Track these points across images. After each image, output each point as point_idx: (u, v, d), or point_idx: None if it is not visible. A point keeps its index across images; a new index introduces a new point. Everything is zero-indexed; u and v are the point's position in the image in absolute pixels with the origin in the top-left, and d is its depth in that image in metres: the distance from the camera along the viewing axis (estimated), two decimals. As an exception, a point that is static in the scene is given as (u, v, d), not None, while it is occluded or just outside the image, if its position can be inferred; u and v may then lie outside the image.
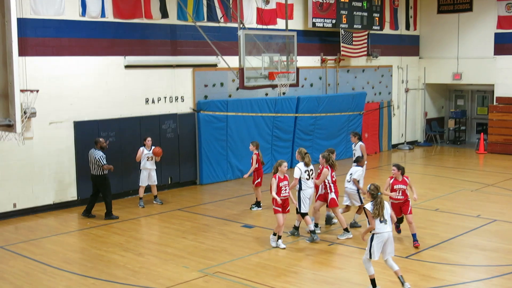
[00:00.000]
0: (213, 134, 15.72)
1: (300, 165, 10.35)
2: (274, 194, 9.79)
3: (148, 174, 13.19)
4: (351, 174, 11.07)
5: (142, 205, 13.20)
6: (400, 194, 10.03)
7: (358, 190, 10.96)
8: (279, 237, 10.04)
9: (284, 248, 9.92)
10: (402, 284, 7.92)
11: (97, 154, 12.07)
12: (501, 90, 21.18)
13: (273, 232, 10.12)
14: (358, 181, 10.98)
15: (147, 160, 13.11)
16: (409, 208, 10.07)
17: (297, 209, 10.46)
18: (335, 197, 10.58)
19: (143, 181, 13.23)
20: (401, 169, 10.09)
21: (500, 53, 21.06)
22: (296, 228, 10.73)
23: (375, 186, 8.08)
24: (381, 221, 7.81)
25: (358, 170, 11.09)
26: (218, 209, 13.10)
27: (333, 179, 10.62)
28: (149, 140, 13.14)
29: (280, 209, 9.83)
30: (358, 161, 11.33)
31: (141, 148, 13.13)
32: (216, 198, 14.15)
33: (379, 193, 8.00)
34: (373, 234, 7.87)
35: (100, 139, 12.32)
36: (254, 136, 16.61)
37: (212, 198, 14.29)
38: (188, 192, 15.00)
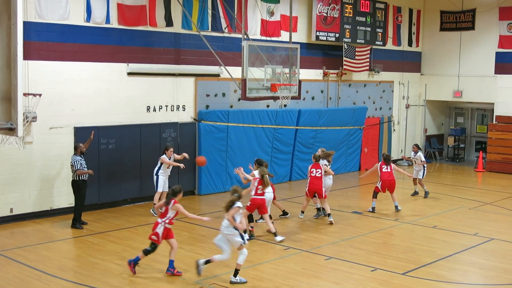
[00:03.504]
0: (213, 144, 15.67)
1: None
2: None
3: (165, 181, 13.06)
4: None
5: (156, 213, 12.78)
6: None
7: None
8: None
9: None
10: None
11: (73, 159, 11.93)
12: (501, 109, 21.23)
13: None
14: None
15: (167, 168, 13.06)
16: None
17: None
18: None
19: (162, 187, 12.95)
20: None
21: (501, 72, 21.12)
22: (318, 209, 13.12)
23: None
24: None
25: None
26: (215, 220, 12.97)
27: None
28: (171, 151, 13.06)
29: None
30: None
31: (164, 157, 12.91)
32: (214, 209, 14.05)
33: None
34: None
35: (80, 144, 12.08)
36: (255, 148, 16.57)
37: (210, 208, 14.20)
38: (186, 202, 14.82)
